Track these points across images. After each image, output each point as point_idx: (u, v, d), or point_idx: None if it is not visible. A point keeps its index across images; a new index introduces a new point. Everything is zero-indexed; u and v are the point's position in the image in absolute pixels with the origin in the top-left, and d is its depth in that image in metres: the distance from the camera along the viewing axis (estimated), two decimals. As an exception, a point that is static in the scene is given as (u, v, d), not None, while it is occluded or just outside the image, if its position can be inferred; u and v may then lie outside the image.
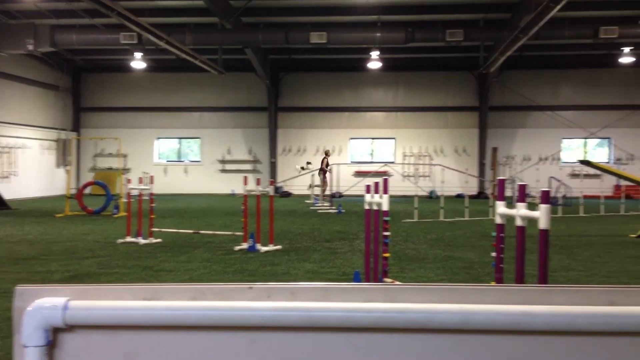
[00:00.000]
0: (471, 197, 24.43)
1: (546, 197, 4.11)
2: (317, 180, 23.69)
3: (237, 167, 32.09)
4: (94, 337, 1.30)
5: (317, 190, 23.71)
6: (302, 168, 25.86)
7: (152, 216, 11.50)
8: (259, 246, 10.11)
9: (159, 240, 11.45)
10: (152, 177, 12.71)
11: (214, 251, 10.13)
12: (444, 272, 8.31)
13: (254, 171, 31.65)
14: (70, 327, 1.30)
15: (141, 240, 11.10)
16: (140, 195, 12.08)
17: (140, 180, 12.95)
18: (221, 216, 17.65)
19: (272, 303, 1.22)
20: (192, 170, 32.83)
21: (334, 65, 30.86)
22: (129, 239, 11.34)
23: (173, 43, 21.29)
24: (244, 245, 10.26)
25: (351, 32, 23.01)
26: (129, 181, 13.58)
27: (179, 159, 33.36)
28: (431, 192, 28.70)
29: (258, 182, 10.99)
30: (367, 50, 26.63)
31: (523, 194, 4.44)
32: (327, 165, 24.10)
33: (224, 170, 32.45)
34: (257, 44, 23.83)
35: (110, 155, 32.35)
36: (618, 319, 1.11)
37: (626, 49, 26.59)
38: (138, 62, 28.06)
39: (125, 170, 31.40)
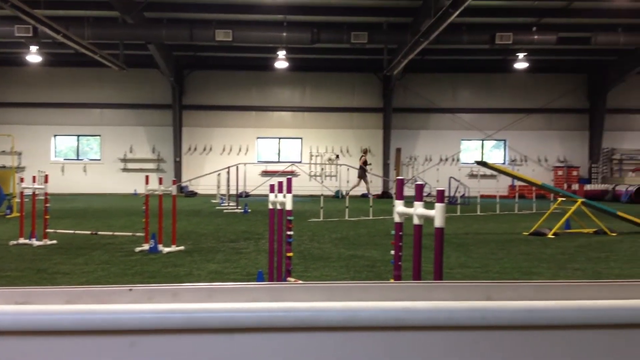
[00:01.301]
0: (376, 196, 24.92)
1: (441, 196, 4.24)
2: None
3: (139, 166, 31.24)
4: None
5: (223, 190, 23.45)
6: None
7: (47, 217, 10.97)
8: (161, 247, 9.87)
9: (54, 241, 10.95)
10: (46, 176, 12.13)
11: (113, 253, 9.79)
12: (347, 270, 8.41)
13: (157, 170, 30.92)
14: None
15: (35, 242, 10.59)
16: (34, 194, 11.51)
17: (34, 179, 12.33)
18: (122, 216, 17.12)
19: (153, 305, 1.18)
20: (92, 169, 31.67)
21: (241, 63, 30.65)
22: (22, 240, 10.78)
23: (71, 37, 20.45)
24: (145, 247, 9.99)
25: (257, 30, 22.94)
26: (22, 180, 12.91)
27: (77, 157, 32.08)
28: (337, 192, 29.07)
29: (160, 181, 10.72)
30: (274, 50, 26.65)
31: (420, 193, 4.55)
32: (366, 163, 24.42)
33: (125, 169, 31.52)
34: (160, 40, 23.32)
35: (3, 153, 30.66)
36: (492, 313, 1.15)
37: (520, 55, 27.98)
38: (34, 56, 26.76)
39: (19, 168, 29.85)
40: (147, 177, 11.08)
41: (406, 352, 1.17)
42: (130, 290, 1.21)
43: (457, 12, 16.32)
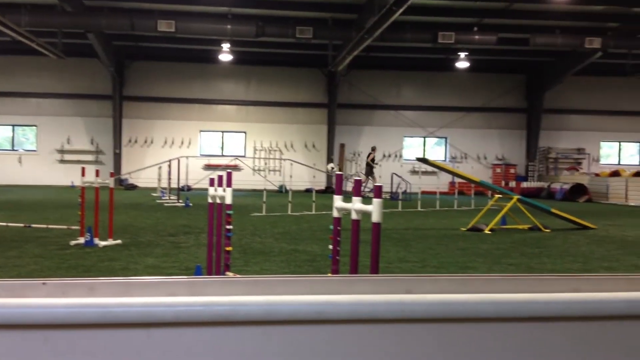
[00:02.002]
0: (319, 191, 25.00)
1: (379, 192, 4.28)
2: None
3: (77, 158, 30.43)
4: None
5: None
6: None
7: (-23, 209, 10.57)
8: (97, 241, 9.64)
9: (-16, 235, 10.56)
10: (-23, 167, 11.68)
11: (48, 246, 9.51)
12: (288, 265, 8.41)
13: (96, 162, 30.21)
14: None
15: (-37, 236, 10.18)
16: (-37, 186, 11.07)
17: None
18: (58, 209, 16.65)
19: (67, 300, 1.14)
20: (28, 160, 30.68)
21: (184, 55, 30.20)
22: (-51, 234, 10.36)
23: (7, 23, 19.72)
24: (81, 240, 9.74)
25: (201, 22, 22.65)
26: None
27: (12, 147, 31.01)
28: (281, 187, 29.02)
29: (97, 173, 10.47)
30: (218, 42, 26.36)
31: (359, 189, 4.58)
32: (374, 160, 24.34)
33: (63, 161, 30.65)
34: (100, 29, 22.74)
35: None
36: (411, 306, 1.16)
37: (462, 54, 28.53)
38: (-34, 42, 25.72)
39: (-51, 159, 28.66)
40: (83, 168, 10.79)
41: (327, 345, 1.17)
42: (44, 284, 1.17)
43: (401, 11, 16.51)
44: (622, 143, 34.93)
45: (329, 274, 5.53)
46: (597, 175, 29.79)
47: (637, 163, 34.48)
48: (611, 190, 26.32)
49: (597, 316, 1.19)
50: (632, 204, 23.66)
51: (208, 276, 1.22)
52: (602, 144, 34.57)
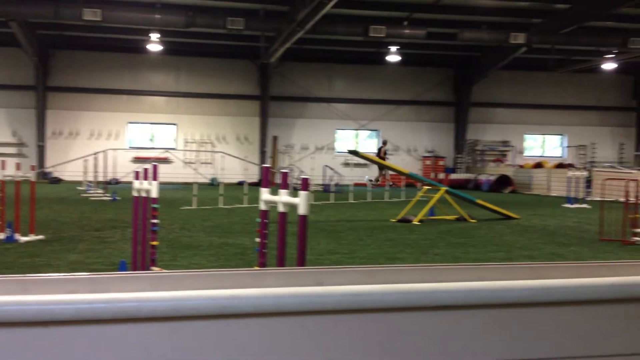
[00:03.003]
0: (252, 184, 24.87)
1: (305, 185, 4.29)
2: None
3: (-1, 151, 29.17)
4: None
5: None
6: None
7: None
8: (18, 236, 9.28)
9: None
10: None
11: (-36, 243, 9.09)
12: (217, 259, 8.33)
13: (19, 155, 29.03)
14: None
15: None
16: None
17: None
18: (-23, 204, 15.93)
19: (-42, 299, 1.09)
20: (-56, 153, 29.21)
21: (111, 45, 29.37)
22: None
23: None
24: (1, 236, 9.36)
25: (129, 11, 22.06)
26: None
27: None
28: (212, 179, 28.70)
29: (18, 166, 10.08)
30: (147, 32, 25.76)
31: (285, 182, 4.58)
32: (385, 153, 24.07)
33: (-18, 154, 29.34)
34: (22, 17, 21.84)
35: None
36: (320, 298, 1.16)
37: (393, 48, 28.90)
38: None
39: None
40: (3, 162, 10.35)
41: (234, 340, 1.15)
42: None
43: (332, 3, 16.57)
44: (545, 136, 36.27)
45: (256, 268, 5.51)
46: (521, 167, 30.83)
47: (560, 155, 35.89)
48: (534, 181, 27.29)
49: (499, 304, 1.22)
50: (554, 194, 24.61)
51: (110, 272, 1.18)
52: (526, 136, 35.80)
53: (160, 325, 1.12)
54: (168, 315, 1.11)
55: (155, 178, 6.32)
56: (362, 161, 29.42)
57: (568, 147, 35.79)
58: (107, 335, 1.11)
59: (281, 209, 4.51)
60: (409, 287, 1.18)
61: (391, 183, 23.54)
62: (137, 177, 6.70)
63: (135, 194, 6.68)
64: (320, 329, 1.19)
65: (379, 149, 26.97)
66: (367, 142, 34.25)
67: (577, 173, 19.82)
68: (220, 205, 16.55)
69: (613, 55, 28.35)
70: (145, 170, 6.55)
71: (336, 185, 24.61)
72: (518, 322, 1.24)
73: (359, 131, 33.83)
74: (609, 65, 30.24)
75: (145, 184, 6.45)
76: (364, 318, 1.19)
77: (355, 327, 1.20)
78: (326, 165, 26.44)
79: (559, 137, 36.37)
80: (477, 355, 1.23)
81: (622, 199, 11.22)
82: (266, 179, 4.91)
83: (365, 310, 1.18)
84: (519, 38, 24.88)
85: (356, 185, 21.57)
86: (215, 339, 1.13)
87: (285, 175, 4.61)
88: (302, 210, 4.22)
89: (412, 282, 1.20)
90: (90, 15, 21.05)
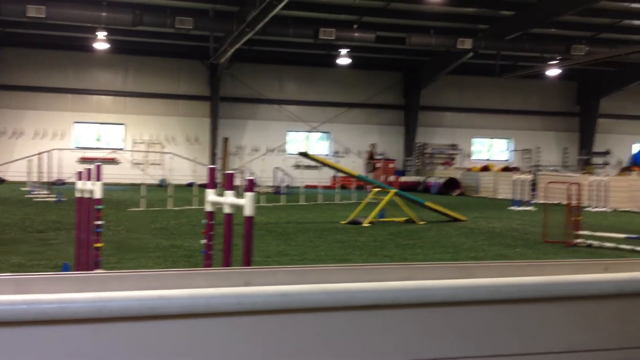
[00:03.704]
0: (201, 185, 24.60)
1: (251, 186, 4.27)
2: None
3: (-63, 150, 28.13)
4: None
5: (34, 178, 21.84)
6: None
7: None
8: (-45, 239, 8.96)
9: None
10: None
11: None
12: (164, 261, 8.22)
13: (-41, 155, 28.05)
14: None
15: None
16: None
17: None
18: None
19: None
20: None
21: (56, 43, 28.65)
22: None
23: None
24: (-64, 239, 9.02)
25: (74, 8, 21.54)
26: None
27: None
28: (162, 181, 28.29)
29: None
30: (93, 30, 25.22)
31: (231, 183, 4.56)
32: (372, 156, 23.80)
33: None
34: (-37, 11, 21.09)
35: None
36: (249, 298, 1.16)
37: (343, 51, 29.06)
38: None
39: None
40: (-61, 162, 10.00)
41: (161, 341, 1.14)
42: None
43: (281, 5, 16.56)
44: (492, 140, 37.03)
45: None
46: (469, 170, 31.39)
47: (506, 159, 36.70)
48: (482, 184, 27.83)
49: (426, 303, 1.24)
50: (501, 197, 25.14)
51: (34, 273, 1.16)
52: (474, 140, 36.49)
53: (84, 327, 1.10)
54: (92, 316, 1.09)
55: (99, 178, 6.19)
56: (312, 163, 29.48)
57: (514, 151, 36.63)
58: (30, 337, 1.08)
59: (227, 210, 4.48)
60: (337, 287, 1.19)
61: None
62: (80, 178, 6.56)
63: (78, 194, 6.54)
64: (251, 330, 1.19)
65: (370, 152, 26.75)
66: (319, 145, 34.32)
67: (523, 176, 20.31)
68: (169, 207, 16.33)
69: (557, 62, 29.17)
70: (89, 170, 6.42)
71: (287, 187, 24.59)
72: (445, 320, 1.26)
73: (310, 133, 33.87)
74: (553, 72, 31.08)
75: (88, 185, 6.31)
76: (294, 318, 1.20)
77: (285, 327, 1.20)
78: (277, 167, 26.38)
79: (505, 141, 37.18)
80: (404, 353, 1.25)
81: (565, 202, 11.54)
82: (212, 180, 4.88)
83: (295, 310, 1.19)
84: (466, 43, 25.35)
85: (307, 187, 21.58)
86: (142, 341, 1.12)
87: (230, 176, 4.58)
88: (248, 211, 4.21)
89: (341, 282, 1.21)
90: (34, 11, 20.49)
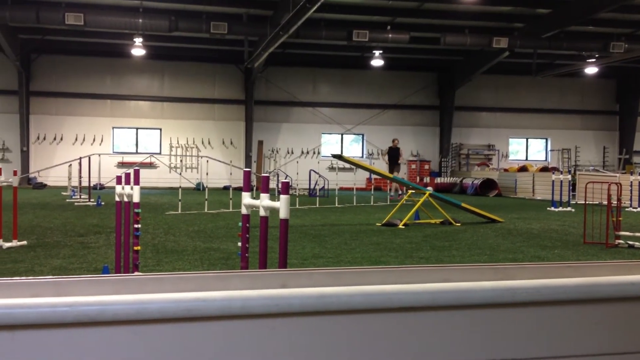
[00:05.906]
0: (237, 188, 24.79)
1: (286, 189, 4.29)
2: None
3: (-19, 157, 28.93)
4: None
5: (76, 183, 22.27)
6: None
7: None
8: (0, 242, 9.20)
9: None
10: None
11: (-56, 250, 9.00)
12: (202, 263, 8.30)
13: (2, 160, 28.81)
14: None
15: None
16: None
17: None
18: (-42, 211, 15.76)
19: None
20: None
21: (95, 49, 29.21)
22: None
23: None
24: (-18, 242, 9.26)
25: (111, 15, 21.97)
26: None
27: None
28: (198, 184, 28.59)
29: (-1, 172, 9.98)
30: (130, 36, 25.65)
31: (267, 186, 4.58)
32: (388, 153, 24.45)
33: (-36, 160, 29.05)
34: (5, 21, 21.66)
35: None
36: (286, 300, 1.16)
37: (376, 53, 28.98)
38: None
39: None
40: (-16, 167, 10.26)
41: (199, 343, 1.15)
42: None
43: (315, 8, 16.59)
44: (529, 139, 36.50)
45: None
46: (506, 170, 31.00)
47: (543, 159, 36.14)
48: (519, 185, 27.44)
49: (464, 305, 1.23)
50: (539, 197, 24.76)
51: (74, 276, 1.18)
52: (511, 140, 36.00)
53: (123, 328, 1.12)
54: (131, 318, 1.11)
55: (137, 183, 6.29)
56: (347, 165, 29.44)
57: (552, 150, 36.04)
58: (72, 339, 1.11)
59: (262, 213, 4.51)
60: (374, 288, 1.19)
61: (400, 192, 22.87)
62: (119, 182, 6.67)
63: (117, 199, 6.66)
64: (287, 332, 1.19)
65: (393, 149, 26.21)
66: (353, 147, 34.28)
67: (561, 176, 19.96)
68: (206, 210, 16.49)
69: (595, 60, 28.61)
70: (127, 175, 6.53)
71: (322, 189, 24.61)
72: (482, 323, 1.25)
73: (344, 135, 33.86)
74: (591, 70, 30.49)
75: (127, 189, 6.42)
76: (330, 320, 1.20)
77: (321, 329, 1.21)
78: (312, 170, 26.42)
79: (542, 140, 36.61)
80: (441, 356, 1.24)
81: (605, 202, 11.31)
82: (247, 183, 4.91)
83: (331, 312, 1.19)
84: (502, 42, 25.05)
85: (342, 189, 21.59)
86: (180, 343, 1.13)
87: (265, 179, 4.61)
88: (282, 214, 4.22)
89: (377, 284, 1.21)
90: (73, 19, 20.94)
